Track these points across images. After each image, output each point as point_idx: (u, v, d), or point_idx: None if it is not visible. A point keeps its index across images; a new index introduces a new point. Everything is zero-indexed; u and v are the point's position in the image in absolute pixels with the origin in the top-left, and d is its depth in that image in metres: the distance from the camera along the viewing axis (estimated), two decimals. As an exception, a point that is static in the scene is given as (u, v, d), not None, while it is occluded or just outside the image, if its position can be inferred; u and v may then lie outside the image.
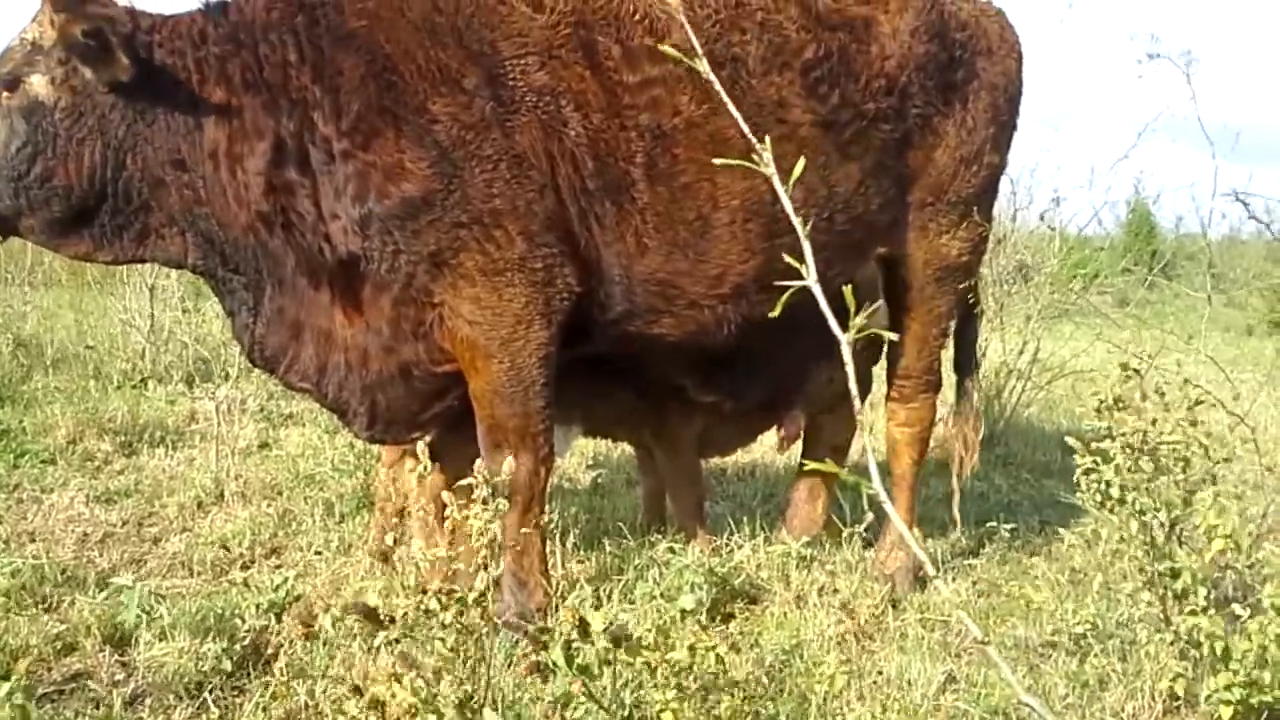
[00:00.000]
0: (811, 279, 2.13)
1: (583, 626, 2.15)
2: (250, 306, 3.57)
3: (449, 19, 3.44)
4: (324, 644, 3.38)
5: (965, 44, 4.06)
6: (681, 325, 3.75)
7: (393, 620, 2.23)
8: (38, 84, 3.36)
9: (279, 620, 3.56)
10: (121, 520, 4.82)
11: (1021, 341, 6.98)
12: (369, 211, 3.35)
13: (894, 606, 3.95)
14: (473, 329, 3.45)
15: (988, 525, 4.48)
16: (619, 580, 3.91)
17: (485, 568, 2.29)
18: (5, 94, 3.37)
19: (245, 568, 4.34)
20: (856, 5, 3.87)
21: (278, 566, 4.31)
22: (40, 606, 3.70)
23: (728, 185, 3.61)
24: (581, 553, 4.36)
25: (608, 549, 4.31)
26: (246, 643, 3.41)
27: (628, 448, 5.22)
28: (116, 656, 3.38)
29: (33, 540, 4.50)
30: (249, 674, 3.32)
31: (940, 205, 4.08)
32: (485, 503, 2.36)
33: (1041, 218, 7.15)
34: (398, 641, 2.40)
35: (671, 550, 4.11)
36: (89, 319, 8.90)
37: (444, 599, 2.21)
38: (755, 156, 3.60)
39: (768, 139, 3.53)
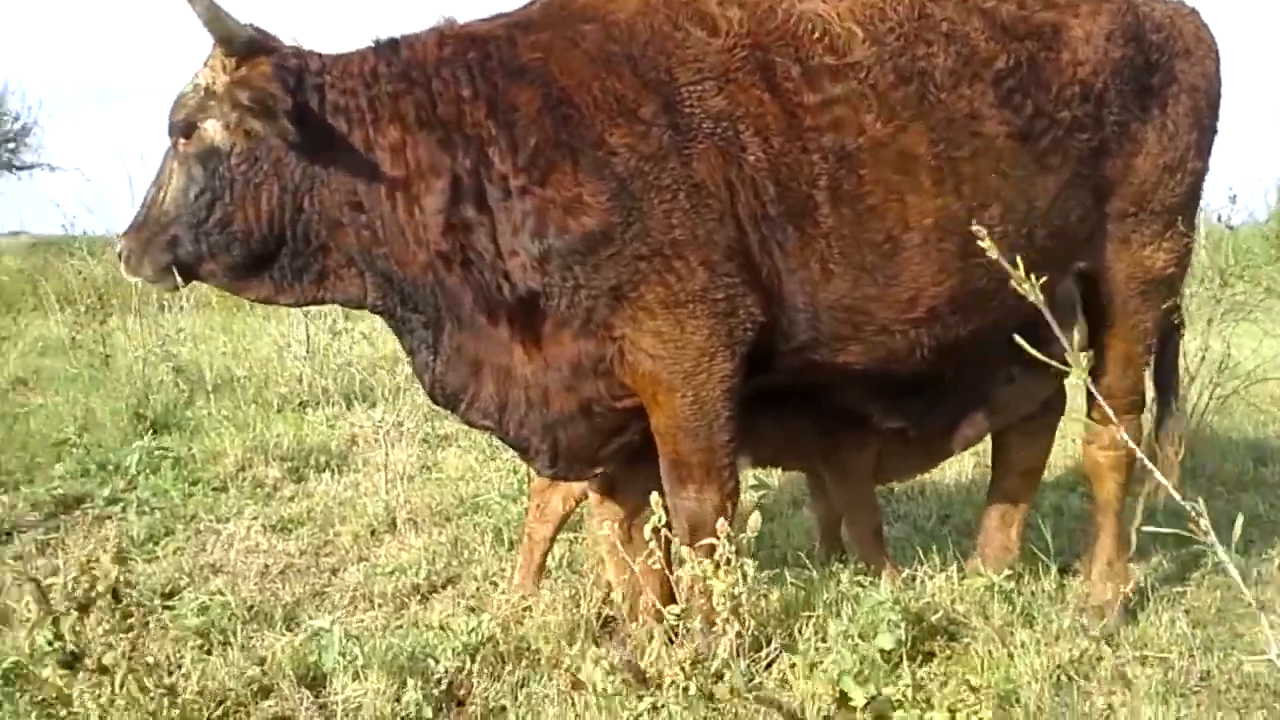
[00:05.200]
0: (1033, 292, 1.94)
1: (843, 699, 2.02)
2: (429, 345, 3.53)
3: (623, 48, 3.34)
4: (515, 689, 3.33)
5: (1162, 46, 3.79)
6: (870, 352, 3.59)
7: (659, 685, 2.15)
8: (212, 130, 3.38)
9: (472, 661, 3.51)
10: (299, 550, 4.88)
11: (1204, 344, 6.58)
12: (548, 247, 3.27)
13: (1107, 642, 3.70)
14: (654, 363, 3.35)
15: (1192, 548, 4.20)
16: (808, 618, 3.76)
17: (727, 632, 2.18)
18: (182, 141, 3.40)
19: (424, 599, 4.33)
20: (1044, 11, 3.65)
21: (456, 598, 4.29)
22: (233, 645, 3.71)
23: (919, 204, 3.43)
24: (762, 585, 4.21)
25: (789, 581, 4.16)
26: (442, 685, 3.37)
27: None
28: (313, 698, 3.37)
29: (216, 573, 4.57)
30: (447, 718, 3.28)
31: (1143, 215, 3.82)
32: (727, 563, 2.24)
33: (1219, 218, 6.66)
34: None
35: (859, 584, 3.94)
36: (242, 342, 9.16)
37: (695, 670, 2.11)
38: (945, 172, 3.48)
39: (963, 155, 3.49)
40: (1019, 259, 3.46)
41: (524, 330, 3.43)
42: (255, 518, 5.29)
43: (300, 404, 7.58)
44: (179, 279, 3.52)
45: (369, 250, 3.42)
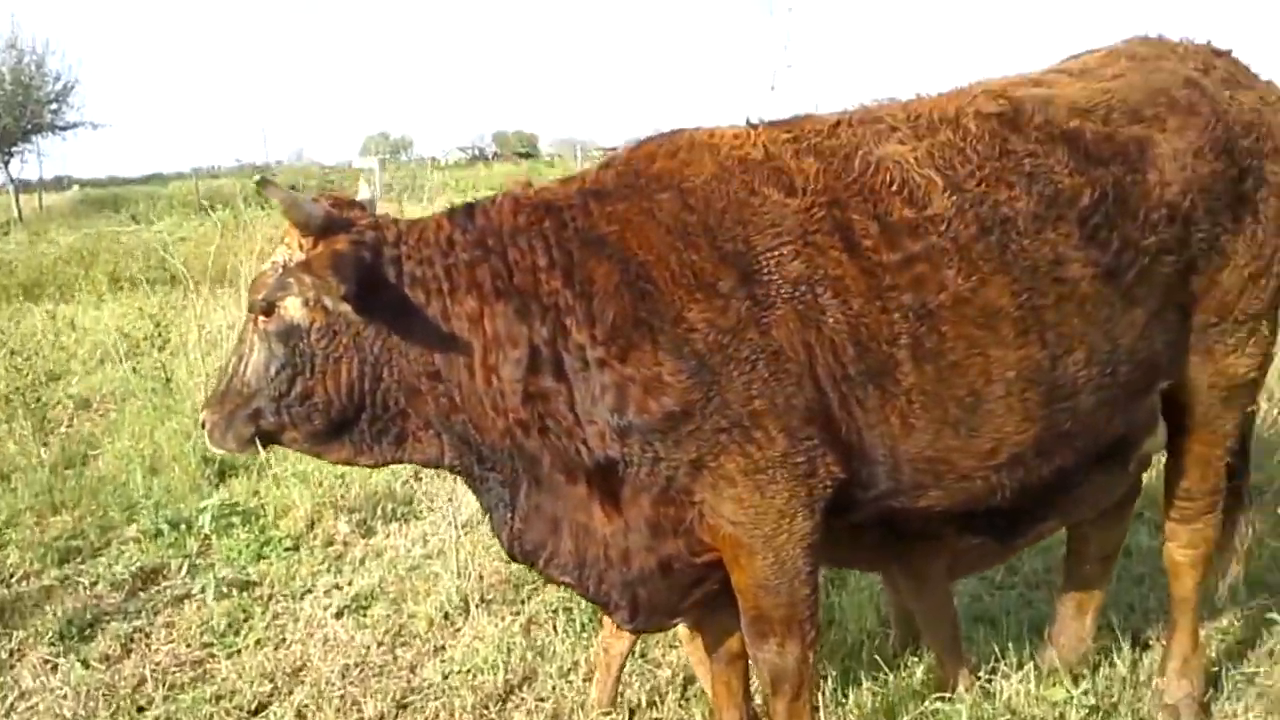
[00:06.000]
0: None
1: None
2: (507, 503, 3.52)
3: (700, 217, 3.25)
4: None
5: (1253, 150, 3.62)
6: (950, 496, 3.54)
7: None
8: (292, 307, 3.35)
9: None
10: (376, 641, 4.94)
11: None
12: (628, 424, 3.24)
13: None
14: (735, 528, 3.32)
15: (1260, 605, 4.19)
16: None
17: None
18: (262, 319, 3.38)
19: (501, 702, 4.41)
20: (1130, 125, 3.49)
21: (536, 705, 4.36)
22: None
23: (1001, 357, 3.34)
24: (834, 682, 4.25)
25: (865, 687, 4.19)
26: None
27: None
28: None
29: (299, 679, 4.66)
30: None
31: (1226, 325, 3.69)
32: None
33: None
34: None
35: (940, 698, 3.95)
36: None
37: None
38: (1029, 323, 3.38)
39: (1047, 303, 3.38)
40: (1102, 397, 3.51)
41: (602, 491, 3.41)
42: (329, 593, 5.39)
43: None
44: (261, 447, 3.54)
45: (447, 416, 3.41)
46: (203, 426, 3.56)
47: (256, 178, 3.34)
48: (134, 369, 8.90)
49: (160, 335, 9.20)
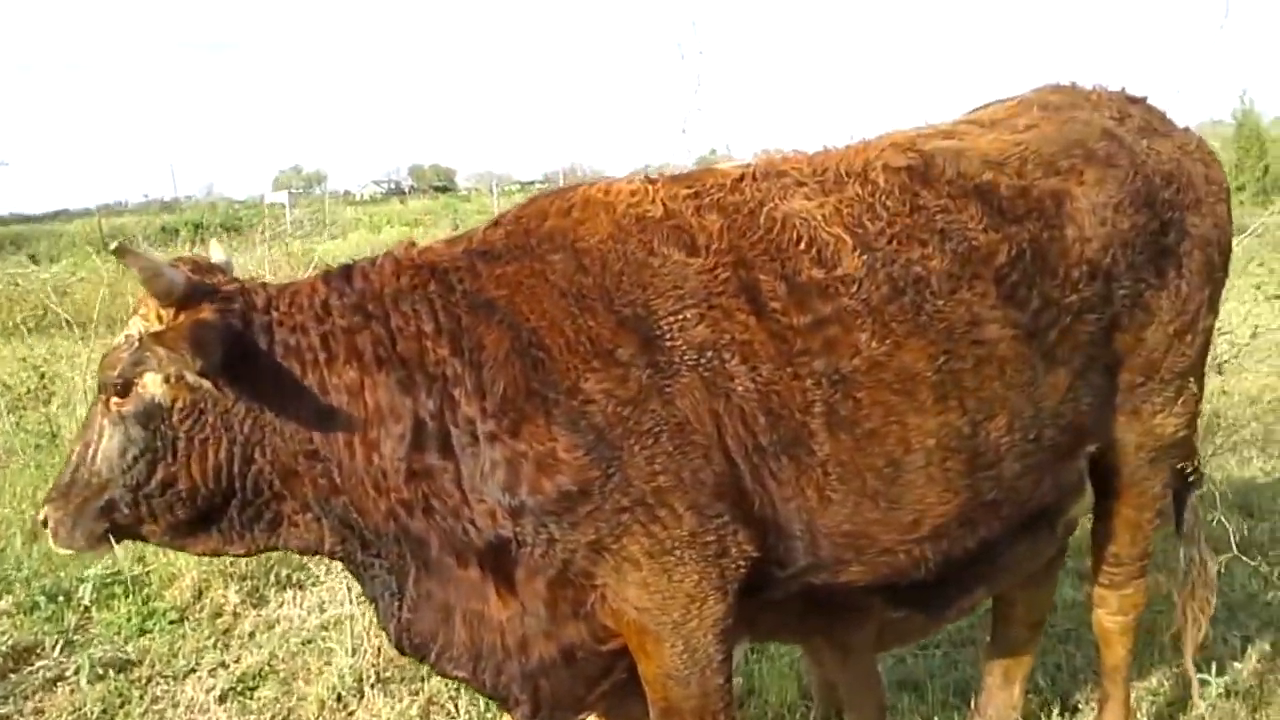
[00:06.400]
0: None
1: None
2: (394, 591, 3.23)
3: (596, 279, 3.00)
4: None
5: (1174, 202, 3.48)
6: (872, 571, 3.32)
7: None
8: (151, 385, 3.02)
9: None
10: (265, 725, 4.58)
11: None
12: (520, 503, 2.97)
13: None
14: (641, 614, 3.06)
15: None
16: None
17: None
18: (116, 400, 3.04)
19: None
20: (1045, 178, 3.33)
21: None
22: None
23: (919, 424, 3.13)
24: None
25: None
26: None
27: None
28: None
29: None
30: None
31: (1153, 384, 3.54)
32: None
33: None
34: None
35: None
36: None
37: None
38: (947, 387, 3.19)
39: (965, 366, 3.20)
40: (1027, 463, 3.33)
41: (496, 574, 3.13)
42: (214, 672, 5.00)
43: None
44: (115, 544, 3.18)
45: (327, 498, 3.11)
46: (44, 525, 3.17)
47: (113, 245, 3.00)
48: (16, 424, 8.39)
49: (45, 388, 8.67)
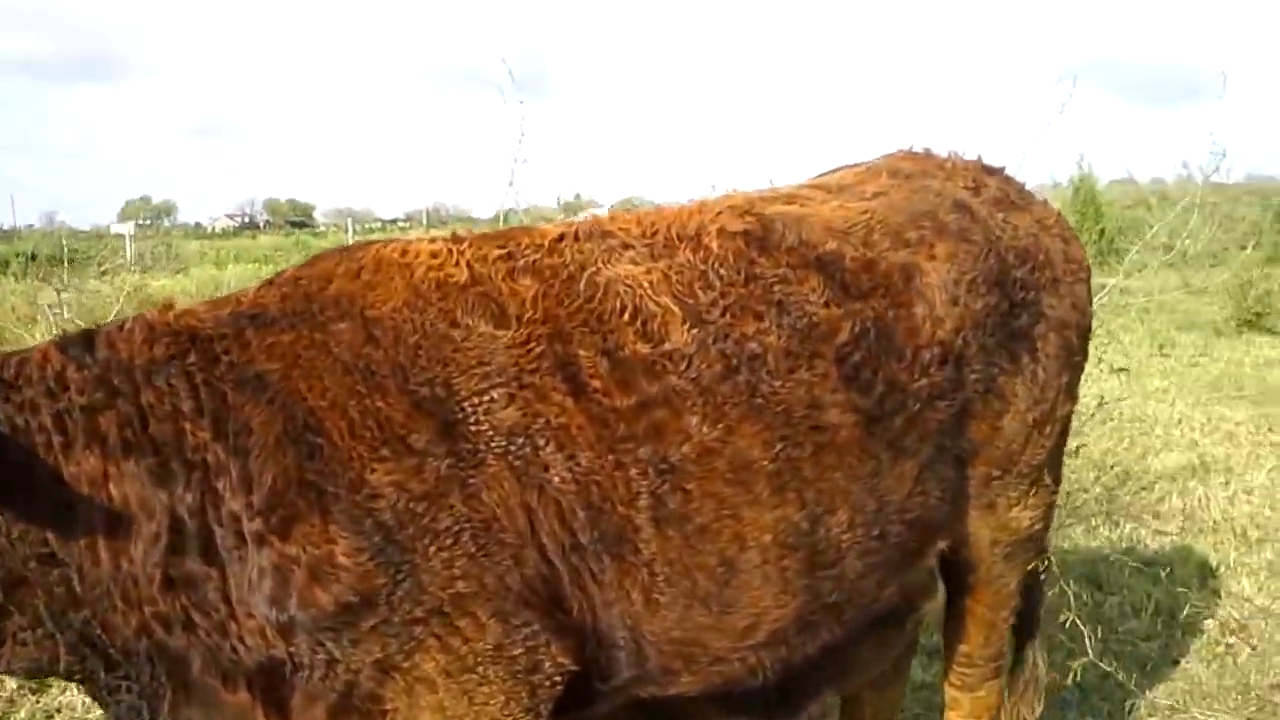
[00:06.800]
0: None
1: None
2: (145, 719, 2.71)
3: (388, 354, 2.58)
4: None
5: (1028, 282, 3.26)
6: (704, 681, 2.96)
7: None
8: None
9: None
10: None
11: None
12: (290, 619, 2.50)
13: None
14: None
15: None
16: None
17: None
18: None
19: None
20: (893, 251, 3.07)
21: None
22: None
23: (755, 519, 2.80)
24: None
25: None
26: None
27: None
28: None
29: None
30: None
31: (1009, 478, 3.30)
32: None
33: None
34: None
35: None
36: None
37: None
38: (785, 478, 2.87)
39: (804, 454, 2.89)
40: (871, 562, 3.03)
41: (268, 700, 2.65)
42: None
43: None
44: None
45: (64, 612, 2.56)
46: None
47: None
48: None
49: None
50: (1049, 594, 3.97)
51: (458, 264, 2.74)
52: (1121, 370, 7.05)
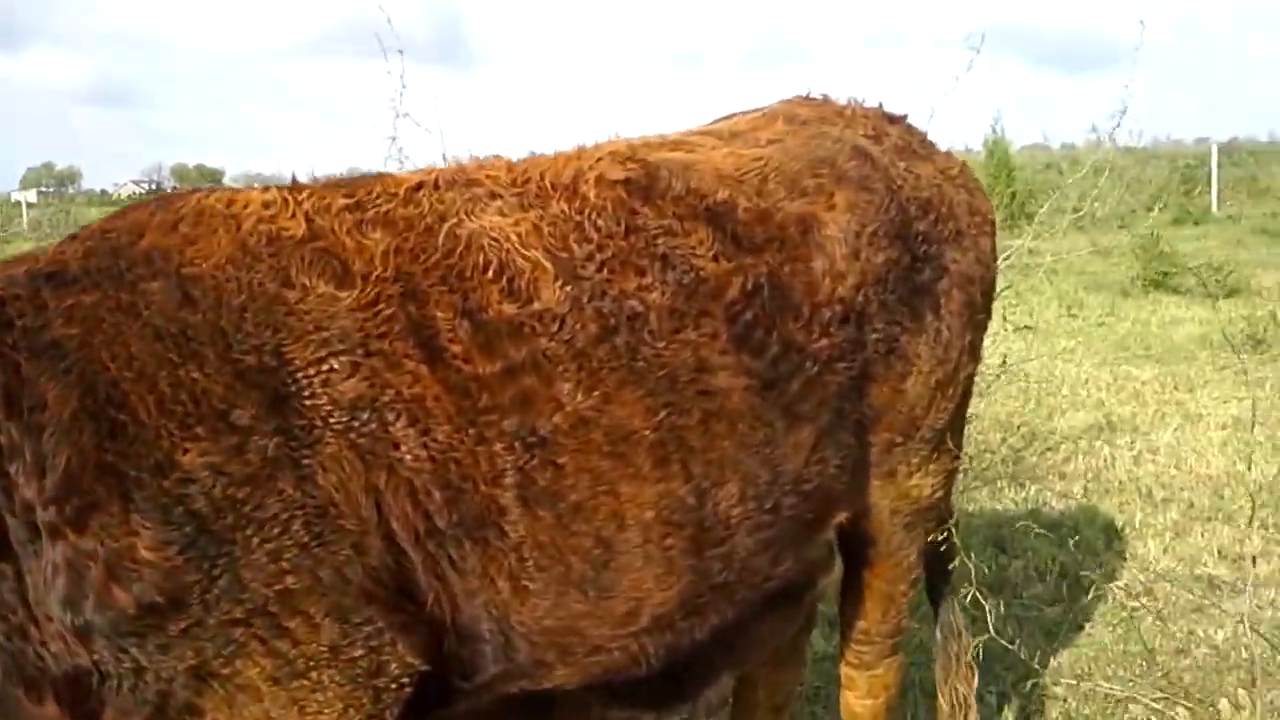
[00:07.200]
0: None
1: None
2: None
3: (208, 318, 2.26)
4: None
5: (931, 235, 3.04)
6: (582, 673, 2.71)
7: None
8: None
9: None
10: None
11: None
12: (86, 622, 2.18)
13: None
14: None
15: None
16: None
17: None
18: None
19: None
20: (789, 201, 2.82)
21: None
22: None
23: (635, 494, 2.55)
24: None
25: None
26: None
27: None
28: None
29: None
30: None
31: (911, 444, 3.09)
32: None
33: None
34: None
35: None
36: None
37: None
38: (669, 449, 2.62)
39: (690, 423, 2.64)
40: (763, 538, 2.80)
41: (76, 713, 2.33)
42: None
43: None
44: None
45: None
46: None
47: None
48: None
49: None
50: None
51: (294, 215, 2.41)
52: (1025, 328, 6.94)
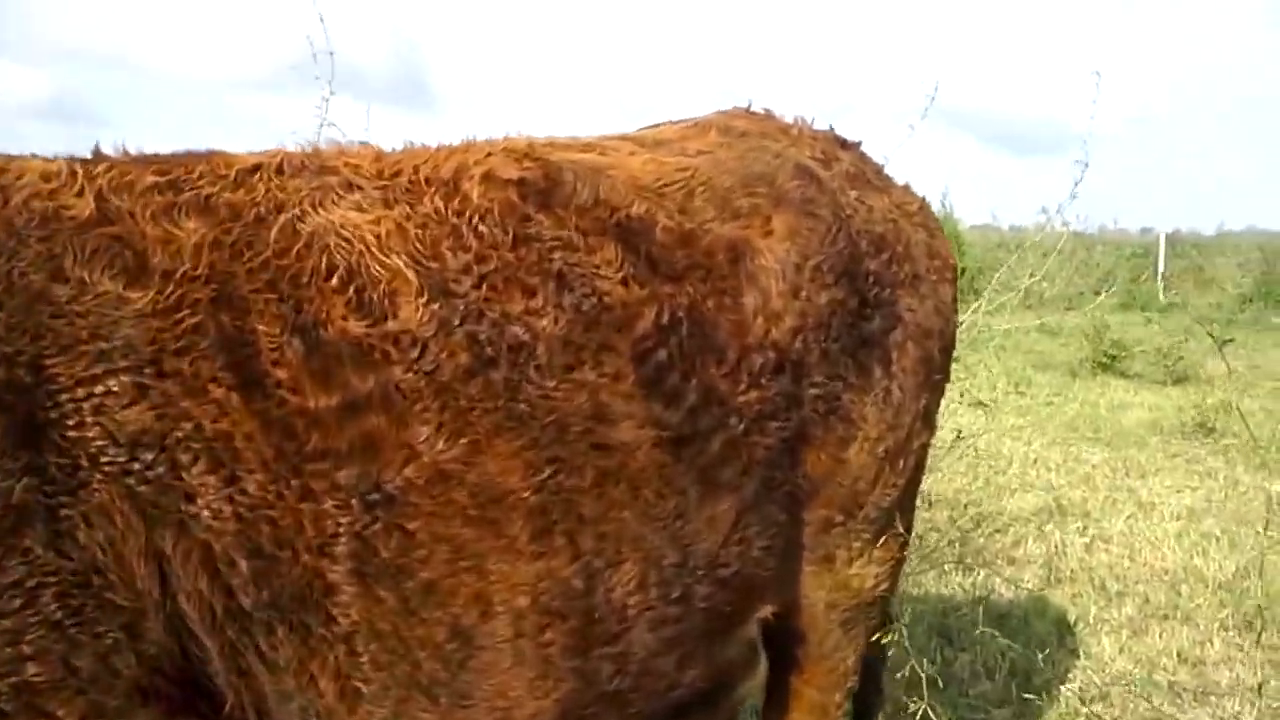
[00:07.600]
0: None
1: None
2: None
3: None
4: None
5: (883, 277, 2.58)
6: None
7: None
8: None
9: None
10: None
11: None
12: None
13: None
14: None
15: None
16: None
17: None
18: None
19: None
20: (719, 223, 2.34)
21: None
22: None
23: (507, 574, 2.02)
24: None
25: None
26: None
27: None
28: None
29: None
30: None
31: (853, 524, 2.59)
32: None
33: None
34: None
35: None
36: None
37: None
38: (552, 516, 2.10)
39: (581, 484, 2.12)
40: (668, 635, 2.27)
41: None
42: None
43: None
44: None
45: None
46: None
47: None
48: None
49: None
50: (897, 663, 3.29)
51: (81, 192, 1.88)
52: (980, 404, 6.53)
